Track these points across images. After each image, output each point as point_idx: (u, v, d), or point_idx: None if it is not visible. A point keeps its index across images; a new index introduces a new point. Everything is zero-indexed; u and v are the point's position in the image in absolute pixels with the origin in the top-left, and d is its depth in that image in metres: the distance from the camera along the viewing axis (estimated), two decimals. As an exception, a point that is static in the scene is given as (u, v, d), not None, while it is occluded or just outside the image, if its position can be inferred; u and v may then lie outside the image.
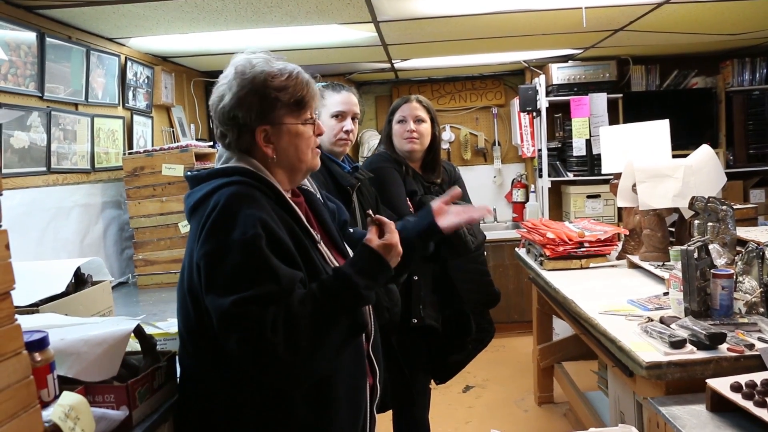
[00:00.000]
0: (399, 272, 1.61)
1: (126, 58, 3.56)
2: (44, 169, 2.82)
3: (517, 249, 3.75)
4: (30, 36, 2.67)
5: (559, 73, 5.09)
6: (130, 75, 3.62)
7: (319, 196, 1.75)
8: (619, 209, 4.43)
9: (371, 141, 5.62)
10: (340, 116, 2.41)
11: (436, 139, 2.82)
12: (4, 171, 2.51)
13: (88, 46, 3.13)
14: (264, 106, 1.49)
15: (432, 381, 2.91)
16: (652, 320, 2.06)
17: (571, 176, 5.25)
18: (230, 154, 1.56)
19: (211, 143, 3.96)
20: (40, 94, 2.76)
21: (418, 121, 2.74)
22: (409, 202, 2.66)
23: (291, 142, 1.53)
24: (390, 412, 2.80)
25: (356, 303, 1.43)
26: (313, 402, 1.47)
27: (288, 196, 1.56)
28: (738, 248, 2.32)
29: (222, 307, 1.33)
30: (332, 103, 2.40)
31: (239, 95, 1.48)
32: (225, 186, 1.44)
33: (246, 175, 1.47)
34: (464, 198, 2.86)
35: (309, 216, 1.63)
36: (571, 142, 5.09)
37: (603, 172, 3.54)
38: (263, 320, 1.30)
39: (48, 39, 2.77)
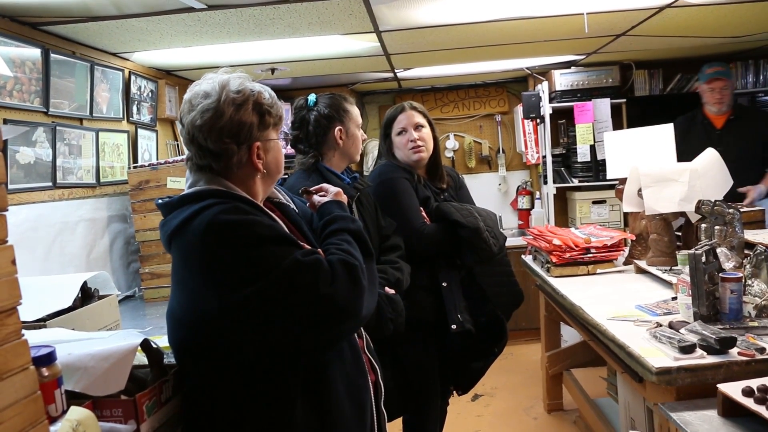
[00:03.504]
0: None
1: (130, 72, 3.58)
2: (50, 184, 2.83)
3: (523, 256, 3.74)
4: (35, 52, 2.69)
5: (562, 80, 5.09)
6: (134, 89, 3.63)
7: (293, 206, 1.77)
8: (625, 214, 4.41)
9: (375, 151, 5.61)
10: (359, 128, 2.48)
11: (436, 142, 2.81)
12: (10, 186, 2.52)
13: (92, 61, 3.15)
14: (262, 122, 1.55)
15: (454, 393, 2.90)
16: (660, 325, 2.04)
17: (576, 182, 5.24)
18: (198, 177, 1.55)
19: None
20: (45, 110, 2.78)
21: (419, 128, 2.73)
22: (423, 211, 2.65)
23: (274, 156, 1.61)
24: (400, 424, 2.79)
25: (356, 225, 1.69)
26: (315, 404, 1.50)
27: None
28: (746, 251, 2.30)
29: (287, 263, 1.39)
30: (356, 116, 2.46)
31: (243, 111, 1.51)
32: (205, 209, 1.44)
33: (220, 197, 1.48)
34: (470, 201, 2.87)
35: (288, 227, 1.66)
36: (576, 148, 5.08)
37: (608, 177, 3.53)
38: (341, 258, 1.48)
39: (52, 55, 2.79)
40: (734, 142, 3.15)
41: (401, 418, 2.75)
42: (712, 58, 5.10)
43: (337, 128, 2.35)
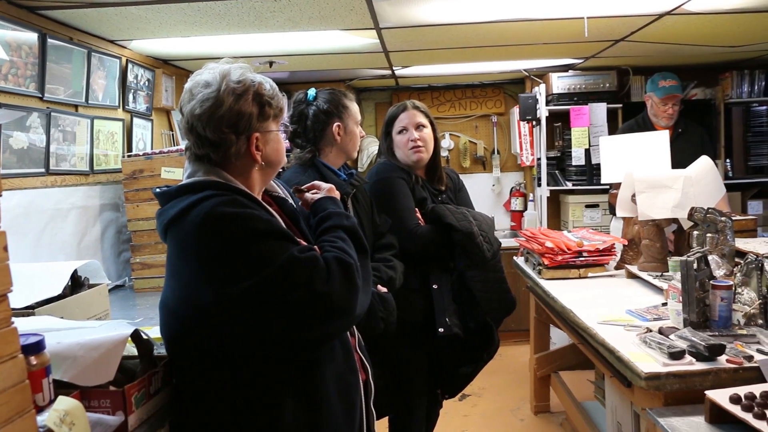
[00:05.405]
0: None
1: (127, 60, 3.56)
2: (43, 170, 2.81)
3: (515, 257, 3.74)
4: (31, 36, 2.67)
5: (560, 83, 5.09)
6: (130, 77, 3.61)
7: (291, 201, 1.77)
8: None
9: (370, 147, 5.62)
10: (357, 125, 2.46)
11: (437, 143, 2.79)
12: (2, 171, 2.50)
13: (90, 48, 3.13)
14: (262, 113, 1.55)
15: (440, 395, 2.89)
16: (650, 331, 2.05)
17: (570, 185, 5.25)
18: (196, 167, 1.55)
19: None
20: (41, 95, 2.75)
21: (420, 127, 2.71)
22: (418, 212, 2.64)
23: (274, 147, 1.61)
24: (386, 423, 2.78)
25: (350, 221, 1.69)
26: (306, 400, 1.49)
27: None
28: (737, 260, 2.32)
29: (284, 259, 1.39)
30: (355, 113, 2.44)
31: (243, 102, 1.50)
32: (203, 200, 1.44)
33: (217, 188, 1.48)
34: (468, 204, 2.85)
35: (286, 222, 1.66)
36: (571, 152, 5.09)
37: (602, 181, 3.54)
38: (337, 256, 1.49)
39: (49, 40, 2.77)
40: (681, 158, 3.17)
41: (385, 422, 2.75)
42: (708, 67, 5.13)
43: (335, 124, 2.34)
